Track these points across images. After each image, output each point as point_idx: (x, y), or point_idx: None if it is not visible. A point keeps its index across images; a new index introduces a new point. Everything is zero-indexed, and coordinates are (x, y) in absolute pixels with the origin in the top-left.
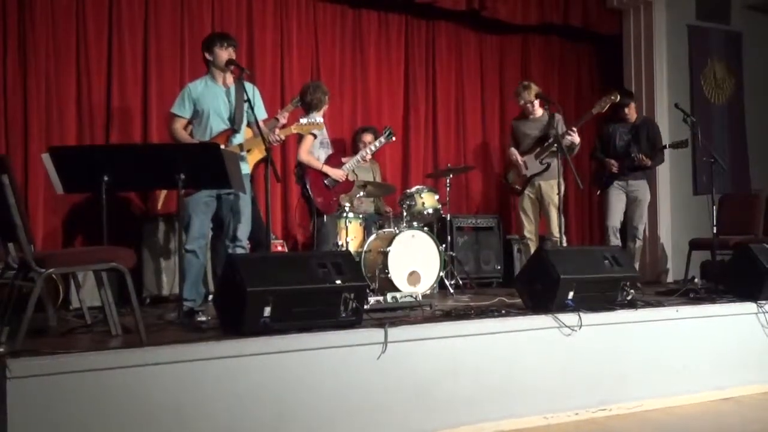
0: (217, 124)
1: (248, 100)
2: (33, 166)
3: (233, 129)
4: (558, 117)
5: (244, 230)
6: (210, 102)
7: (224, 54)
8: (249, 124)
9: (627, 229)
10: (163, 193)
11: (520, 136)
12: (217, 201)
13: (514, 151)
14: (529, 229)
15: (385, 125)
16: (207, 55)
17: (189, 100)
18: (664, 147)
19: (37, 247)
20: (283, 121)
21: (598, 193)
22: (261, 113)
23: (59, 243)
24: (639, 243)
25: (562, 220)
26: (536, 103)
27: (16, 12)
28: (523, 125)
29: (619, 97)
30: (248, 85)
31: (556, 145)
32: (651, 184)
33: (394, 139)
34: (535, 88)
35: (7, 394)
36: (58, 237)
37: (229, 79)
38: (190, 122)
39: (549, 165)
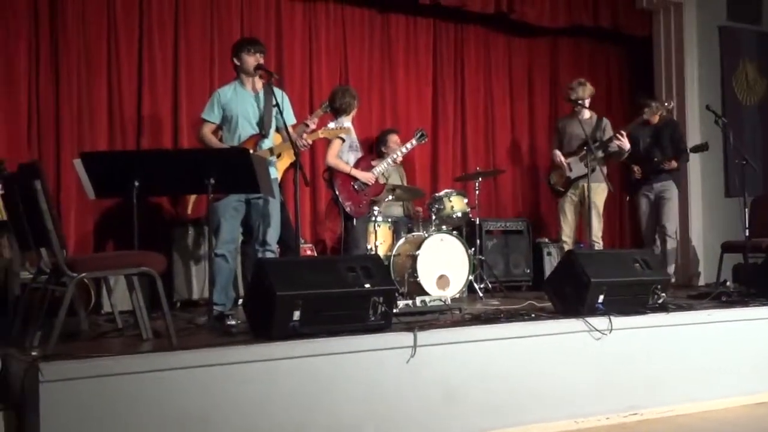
0: (246, 129)
1: (277, 105)
2: (65, 171)
3: (262, 134)
4: (606, 121)
5: (273, 235)
6: (239, 107)
7: (251, 60)
8: (278, 130)
9: (657, 228)
10: (193, 197)
11: (566, 137)
12: (246, 206)
13: (557, 152)
14: (567, 233)
15: (413, 128)
16: (235, 61)
17: (218, 106)
18: (685, 151)
19: (69, 251)
20: (312, 126)
21: (627, 198)
22: (290, 119)
23: (91, 248)
24: (670, 243)
25: (601, 223)
26: (587, 102)
27: (48, 21)
28: (570, 126)
29: (673, 105)
30: (277, 91)
31: (585, 149)
32: (679, 183)
33: (425, 141)
34: (590, 88)
35: (40, 398)
36: (89, 242)
37: (258, 84)
38: (220, 127)
39: (594, 168)
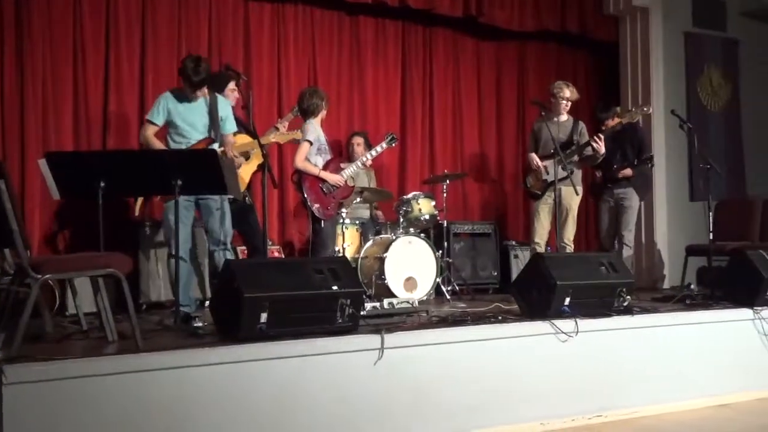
0: (195, 132)
1: (246, 107)
2: (30, 171)
3: (211, 138)
4: (582, 124)
5: (227, 233)
6: (187, 112)
7: (190, 92)
8: (248, 132)
9: (615, 236)
10: (141, 199)
11: (543, 140)
12: (195, 206)
13: (534, 156)
14: (542, 235)
15: (381, 131)
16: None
17: (164, 110)
18: (634, 164)
19: (33, 252)
20: (282, 129)
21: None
22: (231, 127)
23: (56, 249)
24: (627, 250)
25: (575, 226)
26: (568, 105)
27: (13, 19)
28: (546, 128)
29: (651, 109)
30: (221, 99)
31: (558, 157)
32: (645, 190)
33: (395, 144)
34: (576, 92)
35: (3, 400)
36: (54, 243)
37: (205, 91)
38: (167, 130)
39: (573, 171)
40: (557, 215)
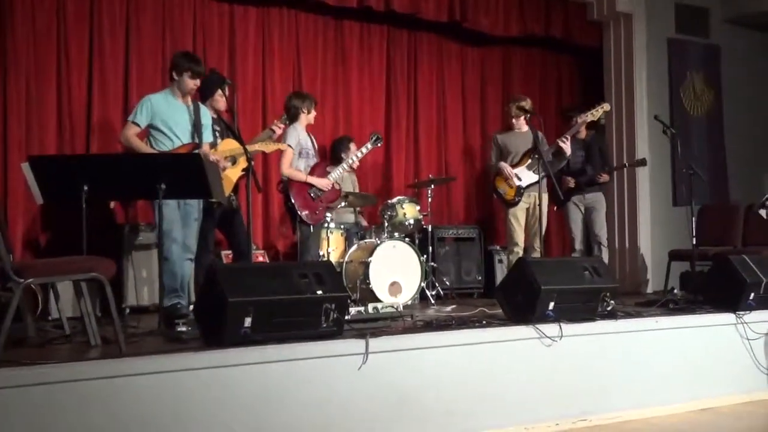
0: (179, 137)
1: (231, 110)
2: (12, 175)
3: (195, 143)
4: (540, 133)
5: (195, 245)
6: (171, 115)
7: (191, 84)
8: (233, 136)
9: (590, 238)
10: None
11: (509, 149)
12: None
13: (506, 165)
14: (521, 238)
15: (366, 135)
16: (174, 75)
17: (148, 112)
18: (625, 166)
19: (15, 257)
20: (278, 131)
21: (556, 208)
22: (208, 137)
23: (38, 253)
24: (605, 250)
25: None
26: (521, 118)
27: None
28: (509, 139)
29: (609, 107)
30: (203, 108)
31: (540, 160)
32: (606, 193)
33: (381, 144)
34: (523, 103)
35: None
36: (37, 247)
37: (188, 98)
38: (148, 132)
39: (545, 176)
40: (531, 219)
